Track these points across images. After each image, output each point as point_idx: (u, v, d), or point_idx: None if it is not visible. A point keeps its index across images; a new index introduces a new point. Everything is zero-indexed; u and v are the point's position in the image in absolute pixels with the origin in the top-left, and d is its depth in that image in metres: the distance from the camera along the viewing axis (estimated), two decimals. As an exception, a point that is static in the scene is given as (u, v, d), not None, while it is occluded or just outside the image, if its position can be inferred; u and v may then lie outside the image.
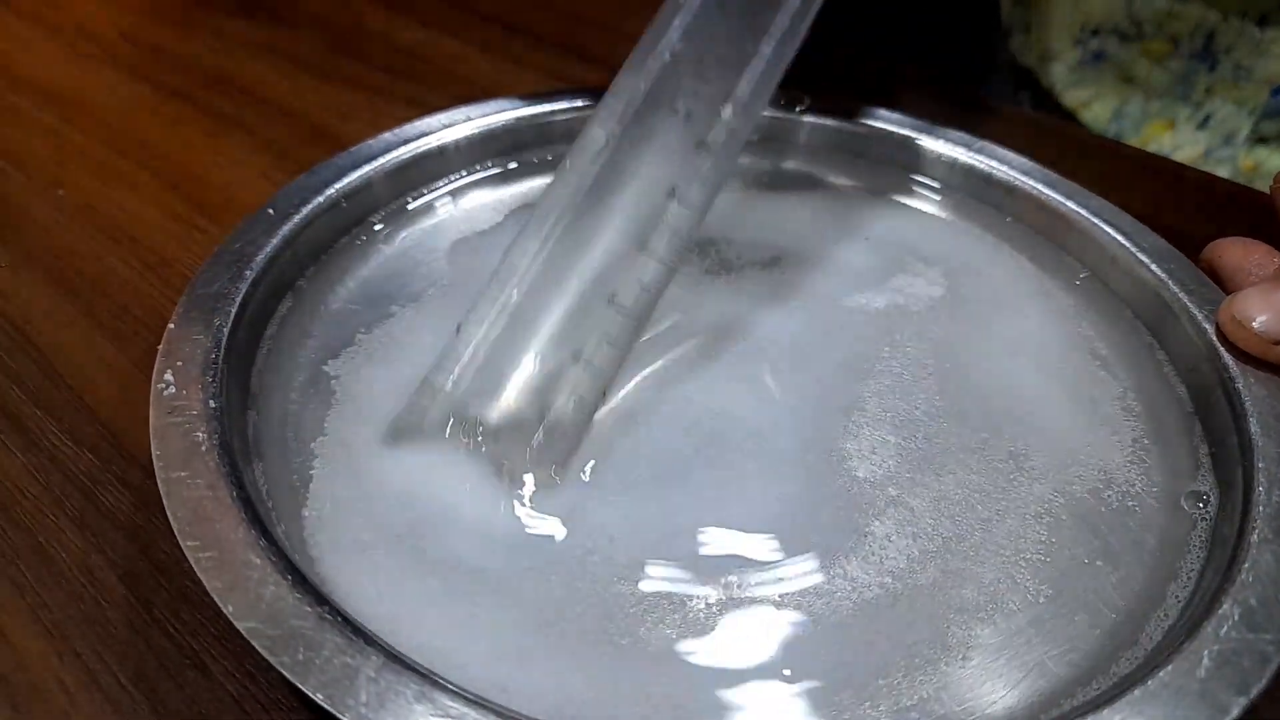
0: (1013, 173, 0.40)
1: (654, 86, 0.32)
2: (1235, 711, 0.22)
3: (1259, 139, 0.52)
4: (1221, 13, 0.51)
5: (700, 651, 0.26)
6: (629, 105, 0.32)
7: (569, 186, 0.32)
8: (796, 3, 0.33)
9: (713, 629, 0.26)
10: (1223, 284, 0.34)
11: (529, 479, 0.29)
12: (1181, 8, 0.52)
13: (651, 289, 0.31)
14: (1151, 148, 0.55)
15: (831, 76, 0.59)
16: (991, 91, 0.67)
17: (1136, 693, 0.23)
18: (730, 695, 0.25)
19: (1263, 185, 0.51)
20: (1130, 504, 0.30)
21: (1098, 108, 0.57)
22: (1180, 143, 0.55)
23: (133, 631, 0.27)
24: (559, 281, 0.31)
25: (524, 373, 0.31)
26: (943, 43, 0.69)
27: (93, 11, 0.64)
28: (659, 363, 0.34)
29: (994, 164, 0.41)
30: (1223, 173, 0.53)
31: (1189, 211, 0.46)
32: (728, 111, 0.32)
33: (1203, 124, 0.54)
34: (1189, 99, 0.54)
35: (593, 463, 0.30)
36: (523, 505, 0.29)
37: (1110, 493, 0.30)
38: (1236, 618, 0.24)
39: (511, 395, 0.31)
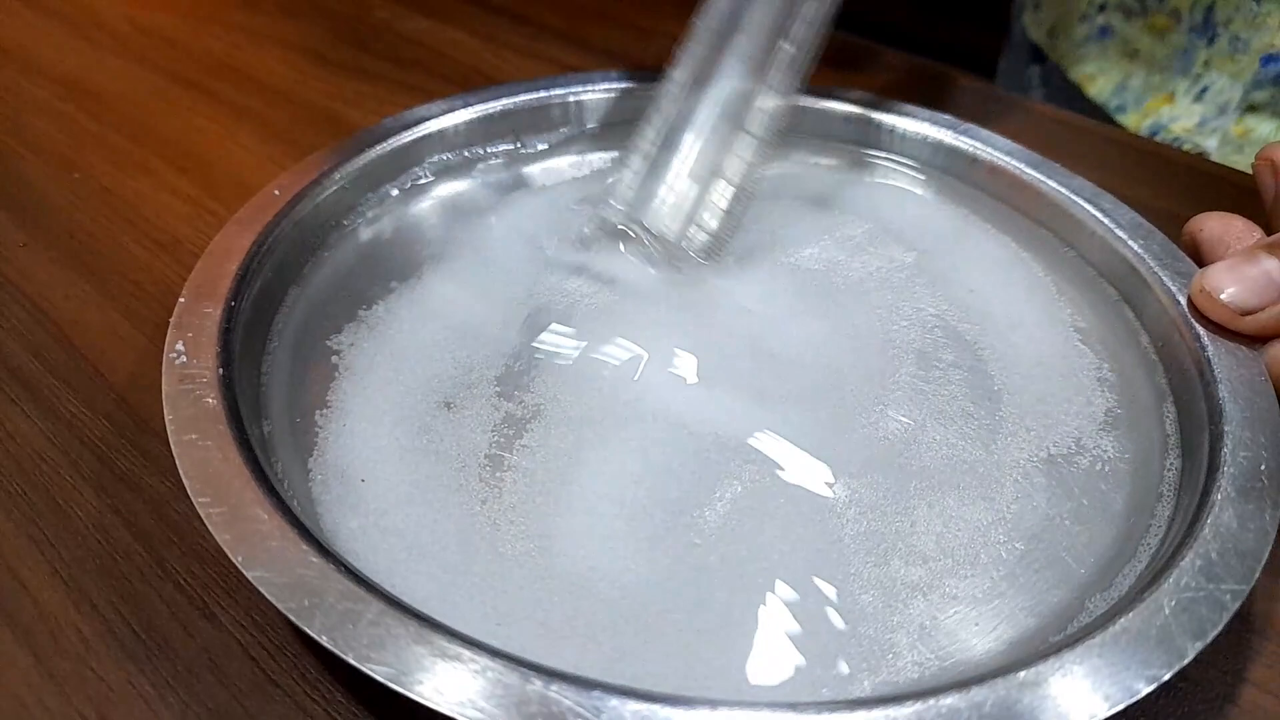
0: (995, 153, 0.41)
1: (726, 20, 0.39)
2: (1191, 654, 0.23)
3: (1249, 107, 0.53)
4: None
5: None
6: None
7: (701, 44, 0.39)
8: None
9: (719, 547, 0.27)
10: (1203, 256, 0.35)
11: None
12: None
13: (773, 115, 0.38)
14: (1150, 119, 0.56)
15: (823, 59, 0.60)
16: (1003, 66, 0.69)
17: (1098, 638, 0.24)
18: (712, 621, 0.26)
19: (1251, 151, 0.51)
20: (1102, 468, 0.31)
21: (1102, 82, 0.59)
22: (1177, 114, 0.56)
23: (146, 584, 0.29)
24: (697, 119, 0.39)
25: (678, 187, 0.38)
26: (956, 19, 0.71)
27: (105, 3, 0.65)
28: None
29: (978, 145, 0.42)
30: (1215, 142, 0.54)
31: (1176, 192, 0.47)
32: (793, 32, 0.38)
33: (1199, 96, 0.55)
34: (1187, 72, 0.55)
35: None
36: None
37: (1083, 457, 0.31)
38: (1197, 569, 0.25)
39: (668, 203, 0.38)
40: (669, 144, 0.39)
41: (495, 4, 0.66)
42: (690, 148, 0.39)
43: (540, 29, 0.63)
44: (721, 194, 0.39)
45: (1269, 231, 0.35)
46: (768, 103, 0.39)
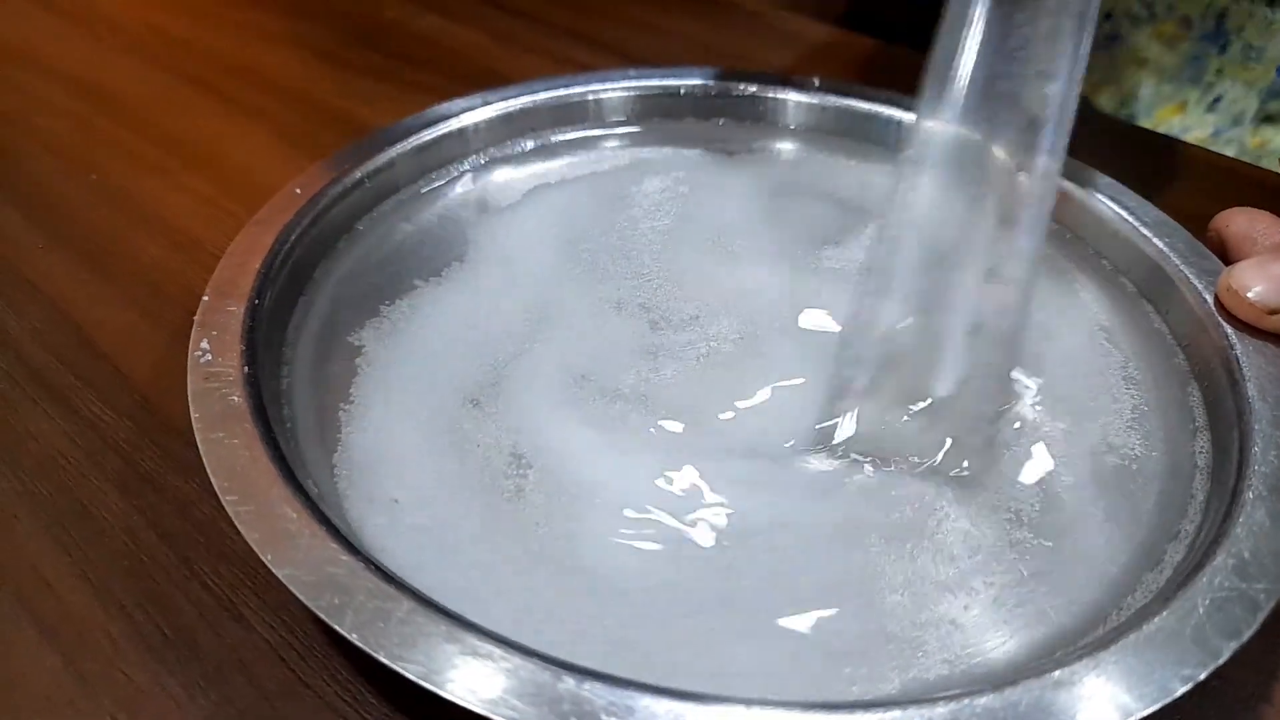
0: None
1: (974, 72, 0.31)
2: (1226, 654, 0.23)
3: (1265, 117, 0.53)
4: None
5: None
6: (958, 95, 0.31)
7: (919, 174, 0.32)
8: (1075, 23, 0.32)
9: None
10: (1229, 252, 0.35)
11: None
12: None
13: (1027, 256, 0.31)
14: (1162, 129, 0.56)
15: (841, 59, 0.60)
16: None
17: (1132, 637, 0.23)
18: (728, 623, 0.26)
19: (1270, 162, 0.52)
20: (1131, 466, 0.31)
21: (1110, 91, 0.58)
22: (1190, 124, 0.55)
23: (173, 585, 0.29)
24: (935, 264, 0.32)
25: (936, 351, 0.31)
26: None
27: (119, 5, 0.65)
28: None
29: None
30: (1230, 152, 0.54)
31: (1196, 190, 0.46)
32: (1052, 89, 0.32)
33: (1212, 105, 0.54)
34: (1199, 81, 0.54)
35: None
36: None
37: (1111, 456, 0.31)
38: (1230, 568, 0.25)
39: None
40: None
41: (506, 2, 0.66)
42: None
43: (551, 27, 0.63)
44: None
45: (1294, 228, 0.35)
46: (1043, 167, 0.31)
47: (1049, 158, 0.31)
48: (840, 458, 0.31)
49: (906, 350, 0.31)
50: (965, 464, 0.30)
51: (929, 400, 0.31)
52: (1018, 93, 0.31)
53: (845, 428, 0.31)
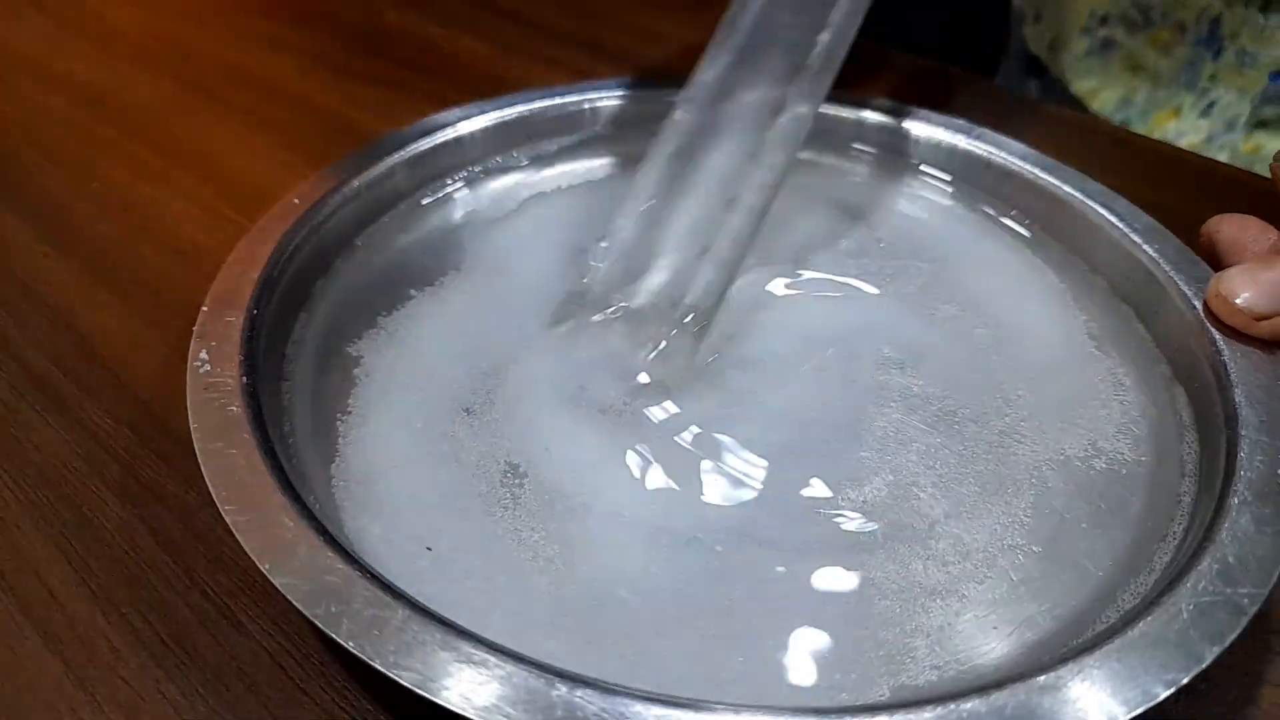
0: (1009, 158, 0.41)
1: (755, 25, 0.37)
2: (1209, 659, 0.24)
3: (1259, 123, 0.53)
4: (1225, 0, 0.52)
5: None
6: (734, 43, 0.38)
7: (688, 114, 0.37)
8: None
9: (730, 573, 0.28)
10: (1219, 258, 0.36)
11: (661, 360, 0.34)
12: None
13: (766, 188, 0.36)
14: (1157, 135, 0.56)
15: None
16: (1002, 79, 0.69)
17: (1117, 642, 0.24)
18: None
19: (1262, 168, 0.52)
20: (1119, 471, 0.31)
21: (1106, 96, 0.58)
22: (1184, 130, 0.56)
23: (173, 593, 0.29)
24: (684, 191, 0.37)
25: (660, 267, 0.36)
26: (954, 30, 0.70)
27: (121, 12, 0.66)
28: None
29: (991, 150, 0.42)
30: (1224, 158, 0.54)
31: (1189, 195, 0.47)
32: (824, 36, 0.37)
33: (1206, 111, 0.55)
34: (1194, 86, 0.54)
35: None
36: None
37: (1100, 461, 0.32)
38: (1214, 573, 0.25)
39: (651, 284, 0.36)
40: (673, 191, 0.37)
41: (506, 9, 0.67)
42: (695, 200, 0.37)
43: (552, 34, 0.64)
44: (720, 263, 0.36)
45: (1287, 234, 0.35)
46: (798, 109, 0.37)
47: (805, 101, 0.37)
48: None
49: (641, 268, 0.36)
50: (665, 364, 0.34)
51: (632, 303, 0.35)
52: (794, 42, 0.37)
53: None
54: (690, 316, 0.34)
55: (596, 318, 0.35)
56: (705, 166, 0.37)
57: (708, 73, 0.38)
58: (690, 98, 0.38)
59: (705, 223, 0.36)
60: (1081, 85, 0.59)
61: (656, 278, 0.36)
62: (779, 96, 0.37)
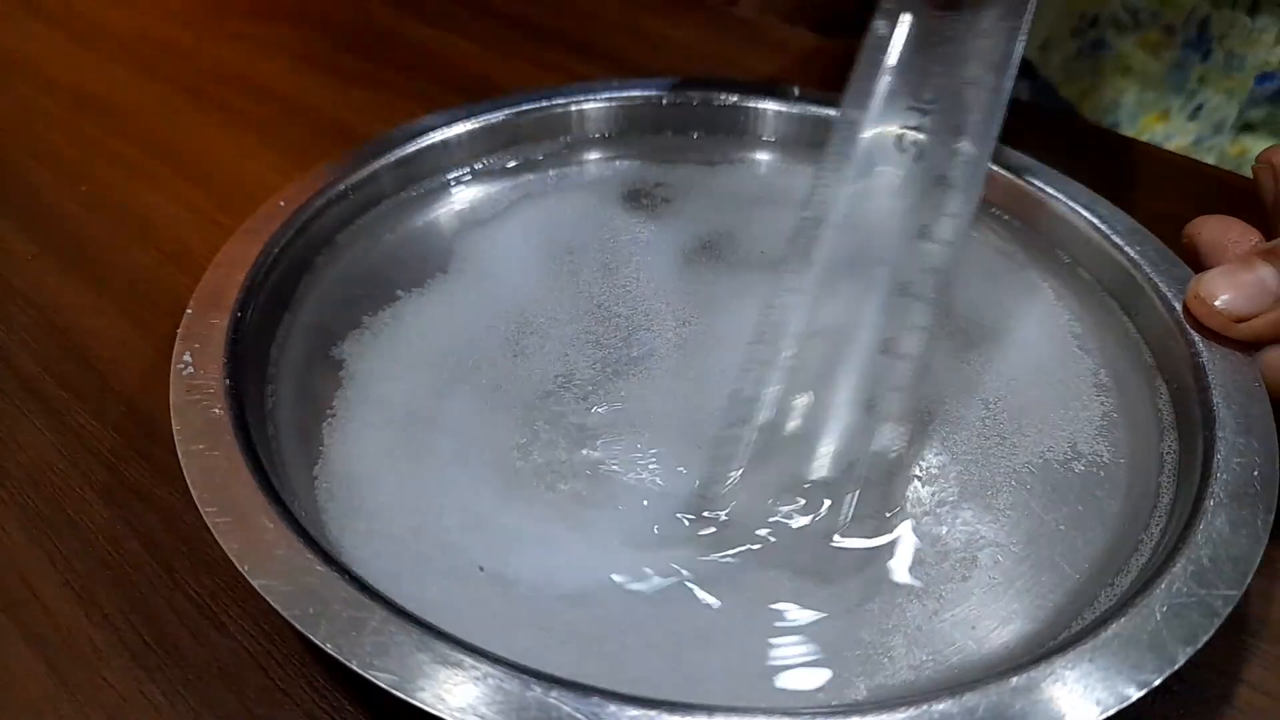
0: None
1: (874, 134, 0.32)
2: (1182, 660, 0.24)
3: (1245, 126, 0.53)
4: (1213, 2, 0.52)
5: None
6: (853, 155, 0.33)
7: (815, 243, 0.32)
8: (1005, 31, 0.32)
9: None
10: (1201, 259, 0.36)
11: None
12: None
13: (923, 329, 0.31)
14: (1145, 137, 0.56)
15: (822, 64, 0.61)
16: None
17: (1089, 643, 0.24)
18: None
19: (1248, 170, 0.52)
20: (1098, 473, 0.31)
21: (1095, 98, 0.58)
22: (1172, 132, 0.56)
23: (156, 594, 0.29)
24: (832, 338, 0.31)
25: (823, 434, 0.31)
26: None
27: (113, 14, 0.66)
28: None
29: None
30: (1211, 160, 0.54)
31: (1176, 197, 0.47)
32: (964, 144, 0.32)
33: (1194, 114, 0.55)
34: (1182, 89, 0.55)
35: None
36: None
37: (1079, 463, 0.32)
38: (1189, 574, 0.26)
39: (818, 457, 0.31)
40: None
41: (499, 11, 0.67)
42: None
43: (545, 36, 0.64)
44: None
45: (1269, 235, 0.35)
46: (971, 152, 0.32)
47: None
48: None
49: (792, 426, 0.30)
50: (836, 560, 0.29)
51: (807, 487, 0.30)
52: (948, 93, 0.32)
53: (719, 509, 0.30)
54: None
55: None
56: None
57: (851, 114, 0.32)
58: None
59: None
60: (1072, 87, 0.59)
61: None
62: (940, 139, 0.32)
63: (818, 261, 0.32)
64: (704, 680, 0.26)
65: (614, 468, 0.31)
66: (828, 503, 0.30)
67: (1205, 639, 0.24)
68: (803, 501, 0.30)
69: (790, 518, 0.29)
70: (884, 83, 0.33)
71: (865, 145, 0.32)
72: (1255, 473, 0.28)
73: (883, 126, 0.33)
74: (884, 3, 0.33)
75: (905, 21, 0.33)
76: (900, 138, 0.32)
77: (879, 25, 0.33)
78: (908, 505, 0.30)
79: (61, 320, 0.39)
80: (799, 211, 0.33)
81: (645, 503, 0.30)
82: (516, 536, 0.29)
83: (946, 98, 0.32)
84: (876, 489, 0.30)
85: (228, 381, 0.30)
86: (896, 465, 0.31)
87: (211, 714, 0.26)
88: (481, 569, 0.28)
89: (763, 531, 0.29)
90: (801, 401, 0.31)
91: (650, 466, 0.31)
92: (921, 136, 0.32)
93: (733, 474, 0.30)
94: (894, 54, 0.33)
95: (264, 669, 0.27)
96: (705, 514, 0.30)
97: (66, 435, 0.34)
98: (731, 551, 0.29)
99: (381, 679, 0.22)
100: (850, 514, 0.29)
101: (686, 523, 0.29)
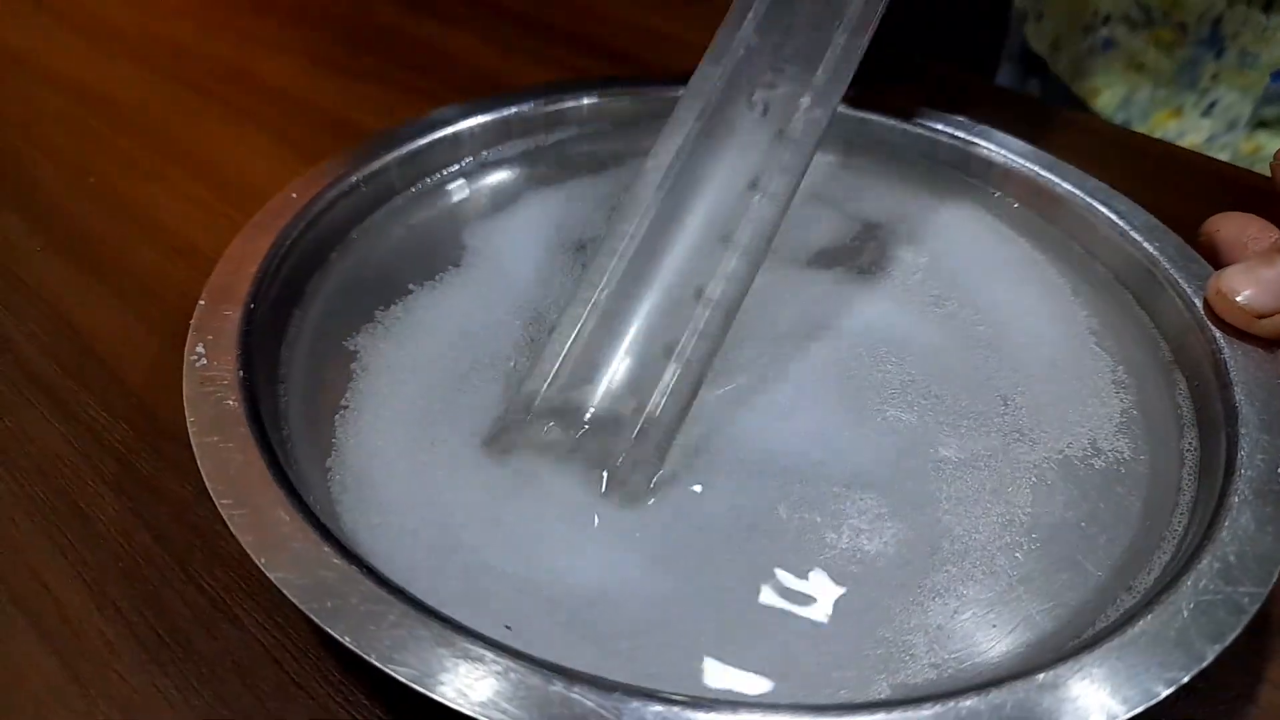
0: (1009, 155, 0.41)
1: (729, 81, 0.33)
2: (1210, 657, 0.23)
3: (1260, 123, 0.53)
4: None
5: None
6: (706, 101, 0.33)
7: (649, 185, 0.33)
8: None
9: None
10: (1220, 257, 0.36)
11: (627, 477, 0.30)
12: None
13: (738, 280, 0.31)
14: (1158, 135, 0.56)
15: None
16: (1002, 79, 0.69)
17: (1116, 641, 0.24)
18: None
19: (1263, 168, 0.51)
20: (1119, 470, 0.31)
21: (1107, 96, 0.58)
22: (1185, 129, 0.56)
23: (169, 587, 0.29)
24: (645, 278, 0.32)
25: (618, 370, 0.31)
26: (955, 29, 0.70)
27: (118, 10, 0.66)
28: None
29: (991, 147, 0.42)
30: (1225, 157, 0.54)
31: (1189, 194, 0.47)
32: (806, 100, 0.32)
33: (1207, 111, 0.55)
34: (1195, 86, 0.54)
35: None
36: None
37: (1099, 460, 0.31)
38: (1215, 572, 0.25)
39: (607, 392, 0.31)
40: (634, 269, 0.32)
41: (502, 6, 0.67)
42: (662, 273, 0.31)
43: (547, 31, 0.64)
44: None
45: (1288, 232, 0.35)
46: (814, 112, 0.32)
47: (820, 105, 0.32)
48: None
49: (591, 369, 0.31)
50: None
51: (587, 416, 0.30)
52: (805, 40, 0.33)
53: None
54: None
55: (539, 433, 0.31)
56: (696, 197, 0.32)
57: (708, 69, 0.34)
58: (687, 106, 0.33)
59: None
60: (1083, 84, 0.59)
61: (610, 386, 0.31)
62: (788, 97, 0.32)
63: (645, 203, 0.32)
64: (723, 678, 0.25)
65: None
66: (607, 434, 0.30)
67: (1233, 636, 0.24)
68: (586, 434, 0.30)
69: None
70: (745, 39, 0.33)
71: (715, 100, 0.33)
72: (1279, 469, 0.28)
73: (737, 83, 0.33)
74: None
75: None
76: (750, 95, 0.33)
77: None
78: (927, 504, 0.30)
79: (69, 314, 0.39)
80: (823, 204, 0.33)
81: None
82: (528, 530, 0.29)
83: (802, 58, 0.33)
84: (656, 432, 0.30)
85: (241, 374, 0.30)
86: (679, 412, 0.30)
87: (225, 708, 0.26)
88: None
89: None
90: (606, 341, 0.31)
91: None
92: (771, 92, 0.33)
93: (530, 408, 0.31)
94: (760, 9, 0.34)
95: (278, 662, 0.27)
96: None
97: (76, 427, 0.34)
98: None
99: (402, 674, 0.22)
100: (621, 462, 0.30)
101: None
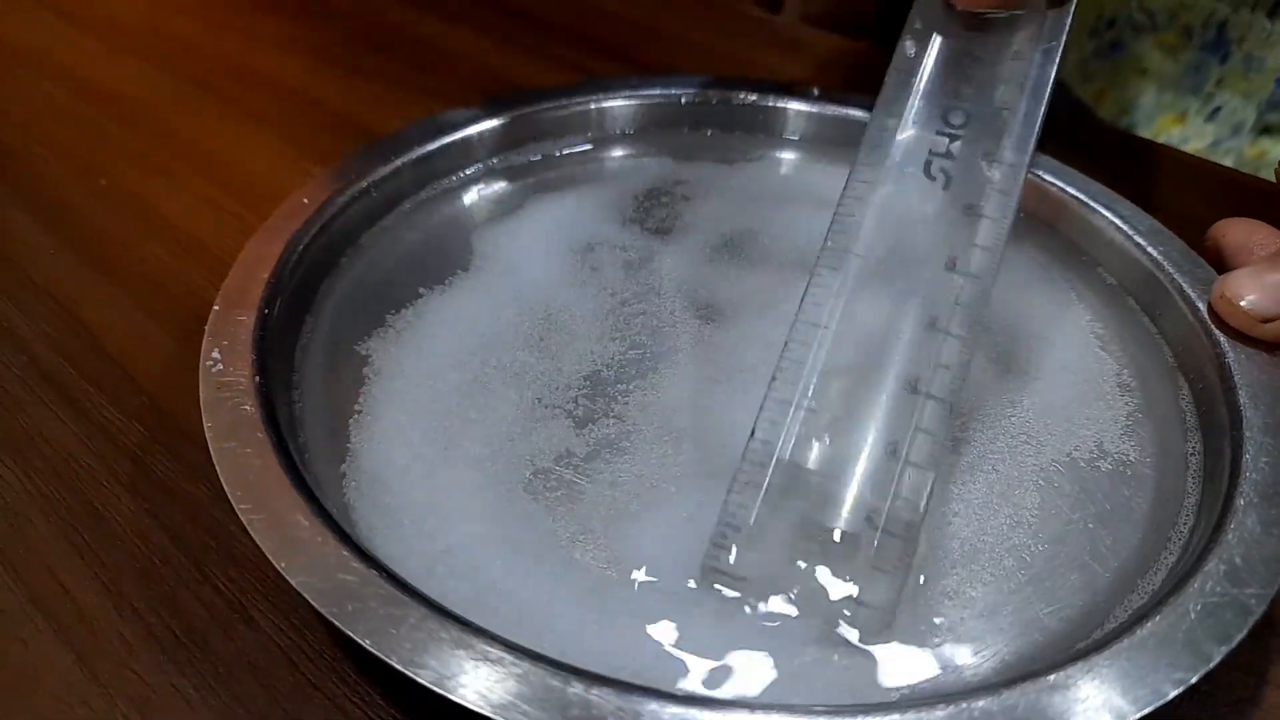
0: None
1: (903, 157, 0.31)
2: (1217, 658, 0.24)
3: (1264, 128, 0.53)
4: (1232, 4, 0.52)
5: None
6: (876, 183, 0.31)
7: (838, 272, 0.30)
8: (1039, 55, 0.32)
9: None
10: (1225, 261, 0.36)
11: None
12: None
13: (954, 368, 0.29)
14: (1161, 139, 0.56)
15: (838, 66, 0.61)
16: None
17: (1126, 641, 0.24)
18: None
19: (1268, 173, 0.52)
20: (1125, 472, 0.31)
21: (1111, 100, 0.58)
22: (1189, 134, 0.56)
23: (185, 588, 0.29)
24: (852, 375, 0.29)
25: (844, 478, 0.28)
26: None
27: (126, 8, 0.66)
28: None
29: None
30: (1229, 162, 0.54)
31: (1194, 199, 0.47)
32: (994, 173, 0.30)
33: (1211, 116, 0.55)
34: (1199, 91, 0.55)
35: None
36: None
37: (1105, 462, 0.32)
38: (1221, 574, 0.26)
39: (840, 501, 0.28)
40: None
41: (509, 6, 0.67)
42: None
43: (555, 31, 0.64)
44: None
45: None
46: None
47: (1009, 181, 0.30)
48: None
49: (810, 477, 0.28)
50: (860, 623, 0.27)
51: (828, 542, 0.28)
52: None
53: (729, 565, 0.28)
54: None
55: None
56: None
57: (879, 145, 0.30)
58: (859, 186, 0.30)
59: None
60: (1087, 88, 0.59)
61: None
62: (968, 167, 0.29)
63: (845, 270, 0.30)
64: (739, 680, 0.26)
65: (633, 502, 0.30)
66: (846, 555, 0.27)
67: (1239, 637, 0.24)
68: (819, 552, 0.28)
69: (810, 575, 0.27)
70: (912, 106, 0.31)
71: (895, 162, 0.31)
72: (1284, 473, 0.28)
73: (911, 150, 0.31)
74: (913, 23, 0.32)
75: (935, 42, 0.32)
76: (929, 163, 0.31)
77: (907, 46, 0.32)
78: (934, 507, 0.30)
79: (81, 313, 0.39)
80: (832, 209, 0.32)
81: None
82: (542, 538, 0.29)
83: (977, 123, 0.31)
84: (896, 541, 0.27)
85: (256, 379, 0.30)
86: (917, 517, 0.28)
87: (242, 708, 0.26)
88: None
89: (778, 598, 0.27)
90: (819, 446, 0.29)
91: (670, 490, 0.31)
92: (950, 163, 0.31)
93: (744, 528, 0.28)
94: (923, 76, 0.32)
95: (294, 663, 0.27)
96: (716, 586, 0.28)
97: (90, 427, 0.34)
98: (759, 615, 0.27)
99: (423, 676, 0.22)
100: (869, 568, 0.27)
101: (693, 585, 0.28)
